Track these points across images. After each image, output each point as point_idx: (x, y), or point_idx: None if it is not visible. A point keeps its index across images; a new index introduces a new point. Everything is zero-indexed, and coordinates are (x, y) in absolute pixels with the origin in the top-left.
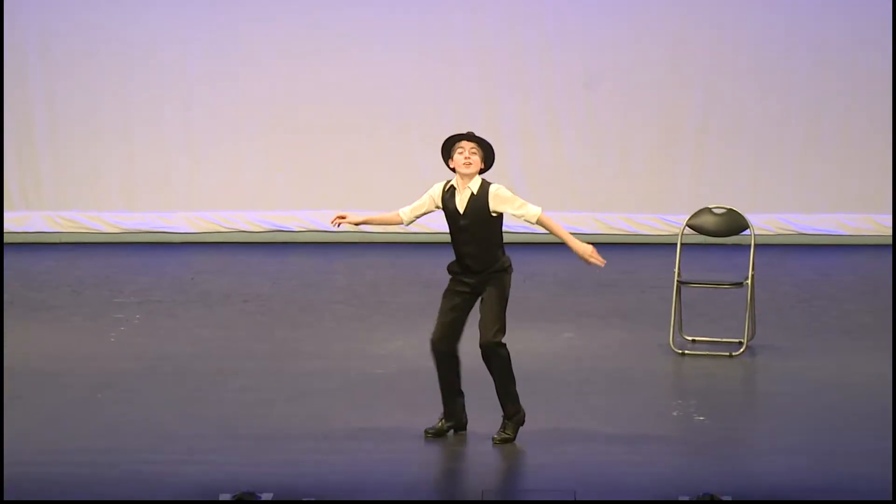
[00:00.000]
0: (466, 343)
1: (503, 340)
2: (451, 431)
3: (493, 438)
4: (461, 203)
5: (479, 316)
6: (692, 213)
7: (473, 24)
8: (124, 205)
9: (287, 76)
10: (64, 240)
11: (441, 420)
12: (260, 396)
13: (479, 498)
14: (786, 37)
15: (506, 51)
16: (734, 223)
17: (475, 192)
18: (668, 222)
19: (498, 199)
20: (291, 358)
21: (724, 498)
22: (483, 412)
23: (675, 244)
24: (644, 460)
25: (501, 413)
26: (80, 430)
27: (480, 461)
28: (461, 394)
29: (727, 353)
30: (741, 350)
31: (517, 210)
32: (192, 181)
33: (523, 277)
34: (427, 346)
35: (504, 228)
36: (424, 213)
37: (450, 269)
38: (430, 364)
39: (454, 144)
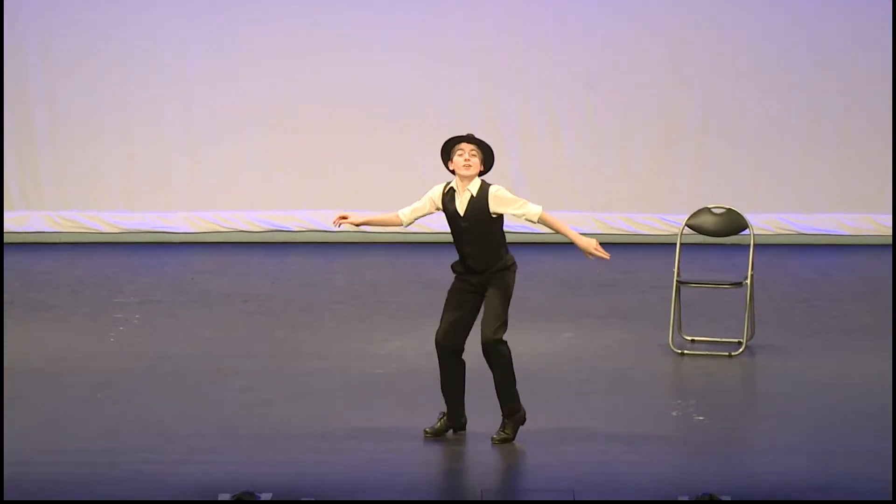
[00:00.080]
0: (466, 342)
1: (504, 338)
2: (451, 431)
3: (493, 438)
4: (461, 205)
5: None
6: (692, 212)
7: (473, 24)
8: (124, 205)
9: (287, 76)
10: (64, 240)
11: (440, 419)
12: (260, 396)
13: (479, 498)
14: (786, 37)
15: (506, 51)
16: (734, 223)
17: (475, 195)
18: (668, 222)
19: (498, 201)
20: (291, 358)
21: (724, 498)
22: (483, 412)
23: (675, 244)
24: (644, 460)
25: (501, 413)
26: (79, 430)
27: (480, 461)
28: (462, 394)
29: (727, 353)
30: (740, 350)
31: (518, 210)
32: (192, 181)
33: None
34: (427, 346)
35: (504, 228)
36: (424, 215)
37: (454, 268)
38: (430, 364)
39: (454, 146)
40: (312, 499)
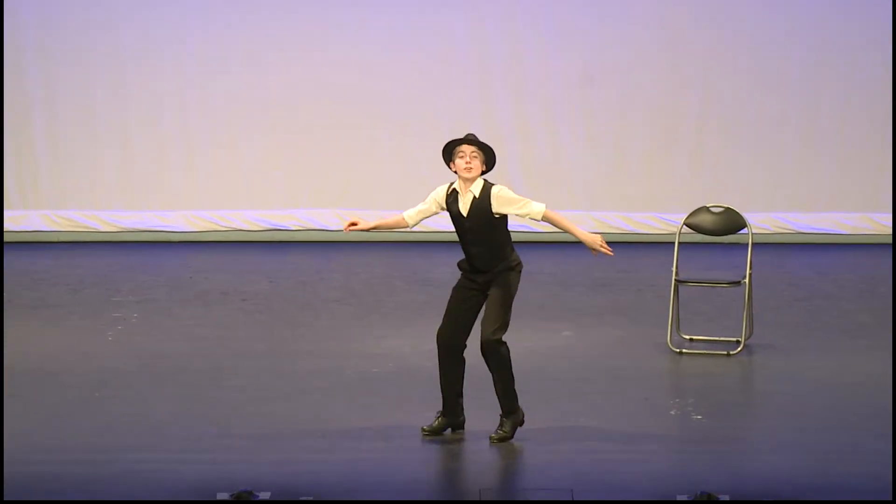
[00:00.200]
0: (467, 341)
1: (504, 339)
2: (449, 430)
3: (491, 437)
4: (464, 206)
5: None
6: (690, 211)
7: (471, 24)
8: (122, 204)
9: (285, 76)
10: (62, 239)
11: (438, 417)
12: (258, 395)
13: (477, 497)
14: (784, 37)
15: (504, 50)
16: (732, 222)
17: (477, 195)
18: (666, 221)
19: (500, 201)
20: (289, 357)
21: (722, 497)
22: (481, 411)
23: (673, 243)
24: (642, 459)
25: (499, 412)
26: (77, 429)
27: (478, 460)
28: (461, 394)
29: (725, 352)
30: (739, 349)
31: (521, 210)
32: (190, 180)
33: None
34: (425, 345)
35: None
36: (429, 216)
37: (460, 265)
38: (428, 363)
39: (454, 149)
40: (311, 498)
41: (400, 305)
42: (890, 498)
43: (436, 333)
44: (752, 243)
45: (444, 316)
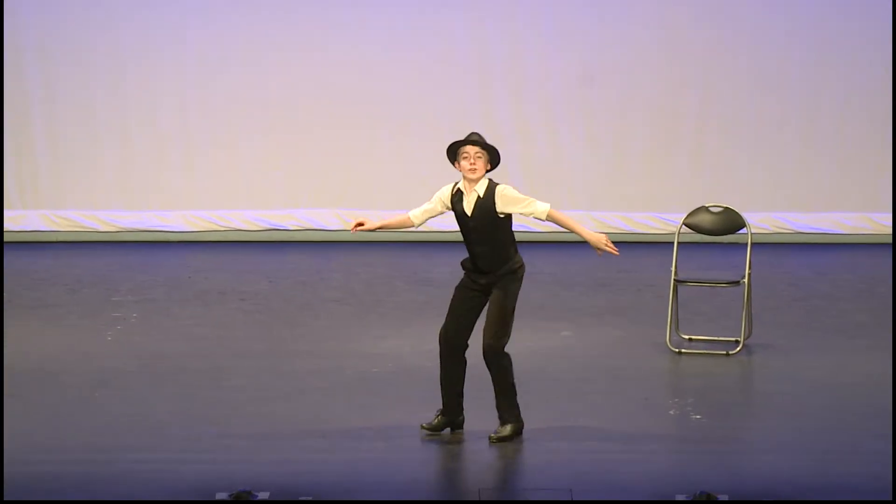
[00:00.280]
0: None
1: (506, 349)
2: (448, 430)
3: (490, 437)
4: (468, 206)
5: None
6: (689, 211)
7: (471, 24)
8: (121, 204)
9: (284, 75)
10: (61, 239)
11: (438, 415)
12: (257, 395)
13: (477, 497)
14: (784, 36)
15: (504, 50)
16: (731, 222)
17: (482, 195)
18: (666, 221)
19: (504, 200)
20: (288, 356)
21: (721, 497)
22: (481, 411)
23: (672, 243)
24: (641, 459)
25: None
26: (77, 429)
27: (477, 460)
28: (461, 393)
29: (724, 352)
30: (738, 349)
31: (525, 209)
32: (189, 180)
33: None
34: (425, 345)
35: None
36: (434, 216)
37: (463, 264)
38: (427, 363)
39: (459, 149)
40: (310, 498)
41: (399, 305)
42: (890, 498)
43: (438, 332)
44: (752, 243)
45: (447, 315)
